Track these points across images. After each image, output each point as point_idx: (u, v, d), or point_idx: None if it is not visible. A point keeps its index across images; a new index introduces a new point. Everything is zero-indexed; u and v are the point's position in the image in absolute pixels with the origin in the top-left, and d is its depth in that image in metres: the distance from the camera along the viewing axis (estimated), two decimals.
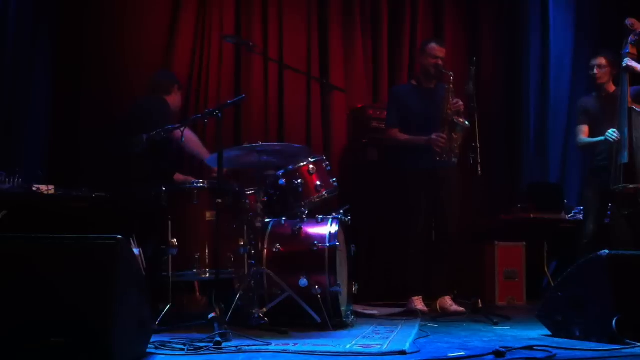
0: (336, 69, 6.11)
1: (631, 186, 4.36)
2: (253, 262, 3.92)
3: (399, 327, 3.94)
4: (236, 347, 3.07)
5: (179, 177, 4.52)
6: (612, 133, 4.51)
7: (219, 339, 3.10)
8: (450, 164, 4.71)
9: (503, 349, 2.88)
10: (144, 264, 3.93)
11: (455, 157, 4.71)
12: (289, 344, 3.20)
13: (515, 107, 6.66)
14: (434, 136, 4.66)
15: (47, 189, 4.25)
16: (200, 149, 4.54)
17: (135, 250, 3.81)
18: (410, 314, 4.56)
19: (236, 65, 5.85)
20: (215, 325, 3.32)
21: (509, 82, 6.67)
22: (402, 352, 2.96)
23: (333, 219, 4.06)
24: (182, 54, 5.69)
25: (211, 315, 3.43)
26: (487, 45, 6.63)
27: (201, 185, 3.94)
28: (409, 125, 4.84)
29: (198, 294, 4.35)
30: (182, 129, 3.98)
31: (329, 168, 4.32)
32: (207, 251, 3.82)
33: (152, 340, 2.98)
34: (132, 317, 2.67)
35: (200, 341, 3.13)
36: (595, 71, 4.82)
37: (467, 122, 4.64)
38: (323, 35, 6.15)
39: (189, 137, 4.44)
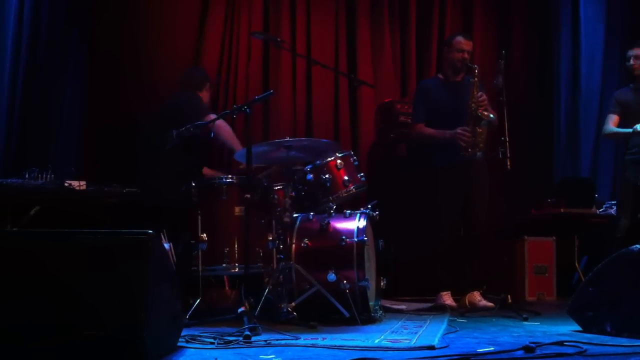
0: (364, 64, 6.11)
1: None
2: (282, 256, 3.95)
3: (428, 322, 3.94)
4: (265, 341, 3.09)
5: (207, 171, 4.56)
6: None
7: (248, 332, 3.11)
8: (475, 159, 4.67)
9: (533, 345, 2.86)
10: (175, 258, 3.98)
11: (480, 151, 4.68)
12: (317, 338, 3.22)
13: (547, 100, 6.59)
14: (459, 130, 4.64)
15: (78, 184, 4.31)
16: (232, 139, 4.56)
17: (166, 245, 3.86)
18: (439, 309, 4.55)
19: (264, 62, 5.89)
20: (245, 319, 3.34)
21: (540, 76, 6.60)
22: (431, 347, 2.96)
23: (361, 214, 4.06)
24: (211, 51, 5.76)
25: (240, 309, 3.44)
26: (518, 38, 6.57)
27: (230, 180, 3.97)
28: (437, 120, 4.82)
29: (227, 288, 4.39)
30: (211, 124, 4.02)
31: (356, 163, 4.32)
32: (236, 246, 3.85)
33: (182, 333, 3.02)
34: (163, 311, 2.70)
35: (230, 335, 3.15)
36: (632, 62, 4.76)
37: (491, 116, 4.61)
38: (351, 31, 6.15)
39: (222, 126, 4.46)
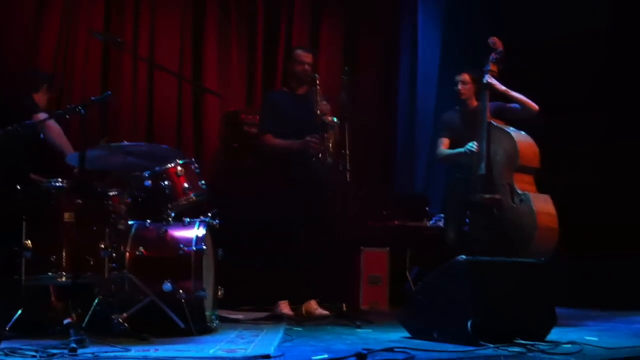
0: (210, 72, 6.06)
1: (487, 196, 4.57)
2: (115, 265, 3.78)
3: (264, 331, 3.93)
4: (93, 353, 2.95)
5: (34, 178, 4.28)
6: (472, 145, 4.72)
7: (74, 345, 2.96)
8: (325, 165, 4.75)
9: (365, 351, 2.94)
10: None
11: (330, 157, 4.76)
12: (149, 350, 3.12)
13: (388, 118, 6.87)
14: (307, 138, 4.72)
15: None
16: (63, 141, 4.34)
17: None
18: (276, 318, 4.55)
19: (104, 63, 5.68)
20: (71, 331, 3.16)
21: (383, 93, 6.86)
22: (267, 356, 2.95)
23: (201, 222, 3.98)
24: (46, 48, 5.47)
25: (67, 321, 3.26)
26: (364, 58, 6.78)
27: (60, 184, 3.74)
28: (285, 131, 4.86)
29: (54, 299, 4.12)
30: (41, 125, 3.79)
31: (198, 171, 4.24)
32: (64, 254, 3.62)
33: (1, 346, 2.80)
34: None
35: (54, 348, 2.97)
36: (459, 87, 5.02)
37: (335, 119, 4.72)
38: (197, 37, 6.08)
39: (52, 126, 4.26)
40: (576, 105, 5.92)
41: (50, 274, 3.61)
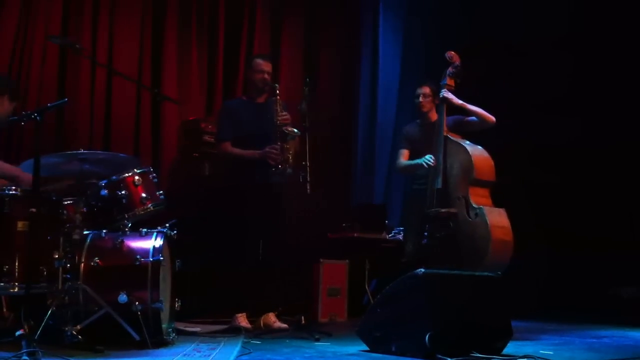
0: (169, 79, 5.99)
1: (443, 210, 4.62)
2: (69, 276, 3.70)
3: (222, 344, 3.89)
4: None
5: None
6: (428, 158, 4.77)
7: (26, 358, 2.89)
8: (285, 175, 4.74)
9: None
10: None
11: (289, 167, 4.75)
12: None
13: (348, 129, 6.89)
14: (267, 148, 4.70)
15: None
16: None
17: None
18: (234, 331, 4.51)
19: (61, 68, 5.54)
20: (23, 343, 3.10)
21: (343, 105, 6.89)
22: None
23: (158, 232, 3.92)
24: (1, 51, 5.31)
25: (19, 332, 3.19)
26: (324, 68, 6.80)
27: (13, 192, 3.64)
28: (243, 140, 4.84)
29: (5, 309, 4.03)
30: None
31: (156, 180, 4.18)
32: (17, 264, 3.53)
33: None
34: None
35: None
36: (420, 100, 5.06)
37: (295, 130, 4.72)
38: (157, 44, 6.00)
39: None
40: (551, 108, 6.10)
41: (2, 283, 3.53)
